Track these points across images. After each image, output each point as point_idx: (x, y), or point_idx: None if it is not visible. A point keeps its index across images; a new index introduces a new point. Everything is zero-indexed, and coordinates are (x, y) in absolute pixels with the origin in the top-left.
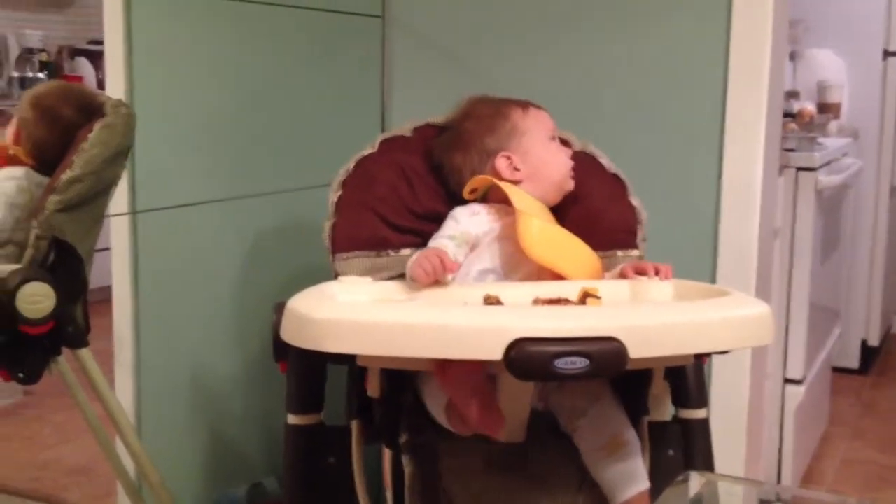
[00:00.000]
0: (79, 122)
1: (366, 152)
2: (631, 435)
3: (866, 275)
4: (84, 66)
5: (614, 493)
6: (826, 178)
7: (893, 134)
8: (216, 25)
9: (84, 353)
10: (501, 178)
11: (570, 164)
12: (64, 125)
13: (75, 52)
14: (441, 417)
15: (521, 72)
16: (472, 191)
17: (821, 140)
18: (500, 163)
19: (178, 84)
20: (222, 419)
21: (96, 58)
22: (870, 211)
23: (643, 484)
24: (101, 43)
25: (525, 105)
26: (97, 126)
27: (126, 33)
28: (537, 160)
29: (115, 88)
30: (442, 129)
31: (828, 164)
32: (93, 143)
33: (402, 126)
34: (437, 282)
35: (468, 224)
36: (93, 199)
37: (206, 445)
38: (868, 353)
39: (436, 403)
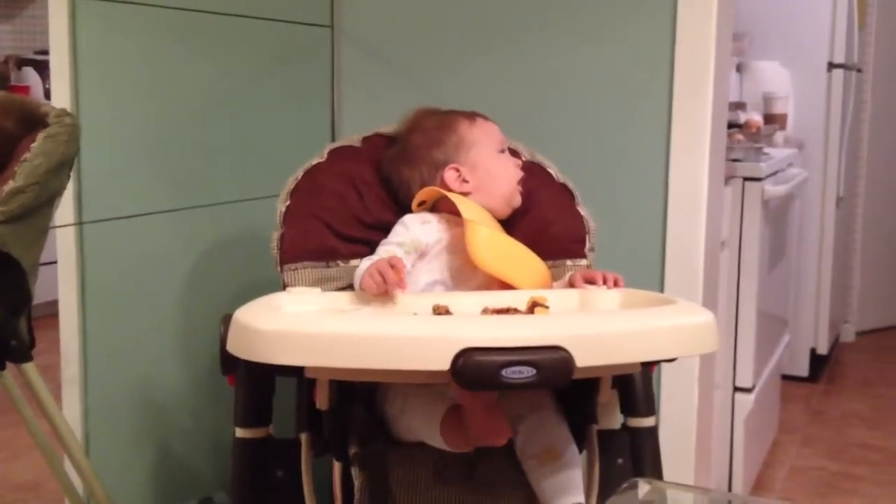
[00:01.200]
0: (20, 134)
1: (314, 162)
2: (568, 447)
3: (814, 284)
4: (31, 76)
5: (546, 502)
6: (772, 188)
7: (838, 144)
8: (163, 35)
9: (29, 367)
10: (450, 191)
11: (519, 175)
12: (4, 137)
13: (22, 62)
14: (427, 432)
15: (470, 82)
16: (421, 203)
17: (767, 150)
18: (449, 175)
19: (124, 94)
20: (171, 433)
21: (43, 68)
22: (816, 220)
23: (576, 497)
24: (47, 53)
25: (472, 117)
26: (40, 136)
27: (71, 43)
28: (485, 172)
29: (61, 98)
30: (391, 139)
31: (774, 174)
32: (35, 154)
33: (351, 136)
34: (387, 293)
35: (418, 232)
36: (37, 211)
37: (154, 460)
38: (817, 361)
39: (420, 416)
